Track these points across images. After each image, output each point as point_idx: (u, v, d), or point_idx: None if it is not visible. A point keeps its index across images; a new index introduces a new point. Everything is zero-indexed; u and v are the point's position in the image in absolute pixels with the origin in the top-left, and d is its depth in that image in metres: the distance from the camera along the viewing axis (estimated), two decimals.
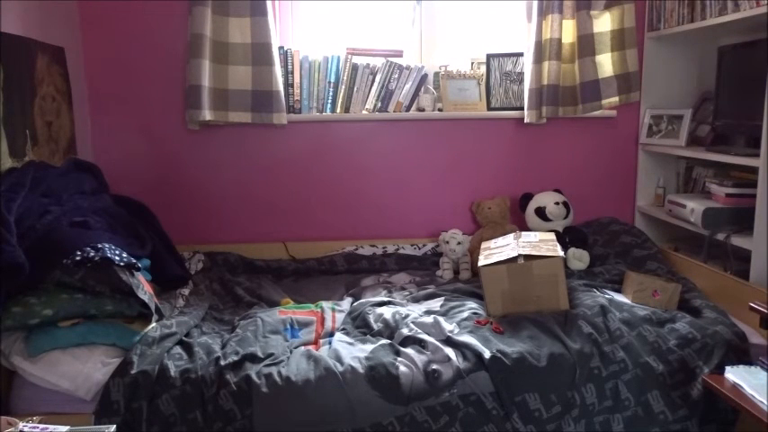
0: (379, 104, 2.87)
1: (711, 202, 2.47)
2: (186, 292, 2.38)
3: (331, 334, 2.09)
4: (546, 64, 2.80)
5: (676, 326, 1.97)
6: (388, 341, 1.96)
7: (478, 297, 2.30)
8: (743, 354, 1.88)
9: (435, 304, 2.26)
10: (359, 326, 2.14)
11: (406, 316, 2.09)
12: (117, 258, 1.87)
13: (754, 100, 2.22)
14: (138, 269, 1.96)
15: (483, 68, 2.97)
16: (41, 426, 1.34)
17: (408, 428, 1.73)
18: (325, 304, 2.30)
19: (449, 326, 2.01)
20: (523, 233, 2.42)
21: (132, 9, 2.83)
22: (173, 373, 1.77)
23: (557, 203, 2.83)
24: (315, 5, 2.96)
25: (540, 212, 2.84)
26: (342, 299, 2.45)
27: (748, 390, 1.63)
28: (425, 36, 3.00)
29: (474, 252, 2.68)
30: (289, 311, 2.19)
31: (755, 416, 1.54)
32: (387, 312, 2.13)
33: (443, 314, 2.14)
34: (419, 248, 2.99)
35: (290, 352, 1.91)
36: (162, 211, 2.58)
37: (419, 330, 1.98)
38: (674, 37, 2.79)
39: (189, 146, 2.94)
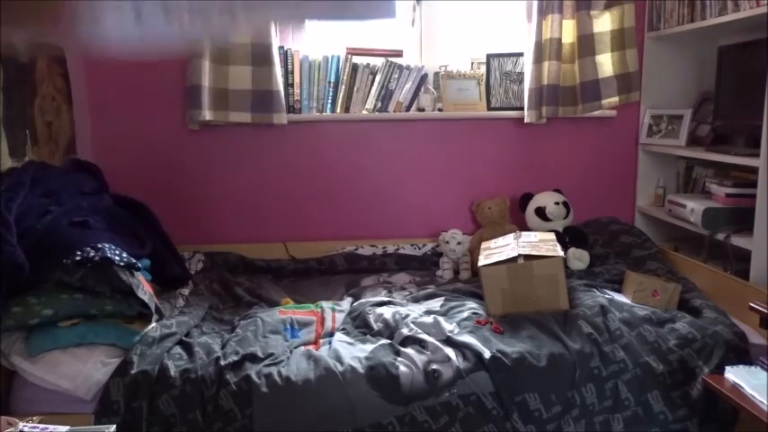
0: (379, 104, 2.87)
1: (711, 202, 2.47)
2: (186, 292, 2.38)
3: (331, 334, 2.09)
4: (546, 64, 2.80)
5: (676, 326, 1.97)
6: (388, 341, 1.96)
7: (478, 297, 2.30)
8: (743, 354, 1.88)
9: (435, 304, 2.26)
10: (359, 326, 2.14)
11: (406, 316, 2.09)
12: (117, 258, 1.87)
13: (754, 100, 2.22)
14: (138, 269, 1.96)
15: (483, 68, 2.97)
16: (41, 426, 1.33)
17: (408, 428, 1.73)
18: (326, 304, 2.30)
19: (449, 326, 2.01)
20: (523, 233, 2.42)
21: None
22: (173, 373, 1.77)
23: (557, 203, 2.83)
24: None
25: (540, 212, 2.85)
26: (342, 299, 2.45)
27: (748, 390, 1.63)
28: (425, 36, 3.00)
29: (474, 252, 2.68)
30: (289, 311, 2.19)
31: (755, 416, 1.54)
32: (387, 312, 2.13)
33: (443, 314, 2.14)
34: (419, 248, 2.99)
35: (290, 352, 1.91)
36: (162, 211, 2.58)
37: (419, 330, 1.98)
38: (674, 37, 2.79)
39: (189, 146, 2.94)
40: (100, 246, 1.87)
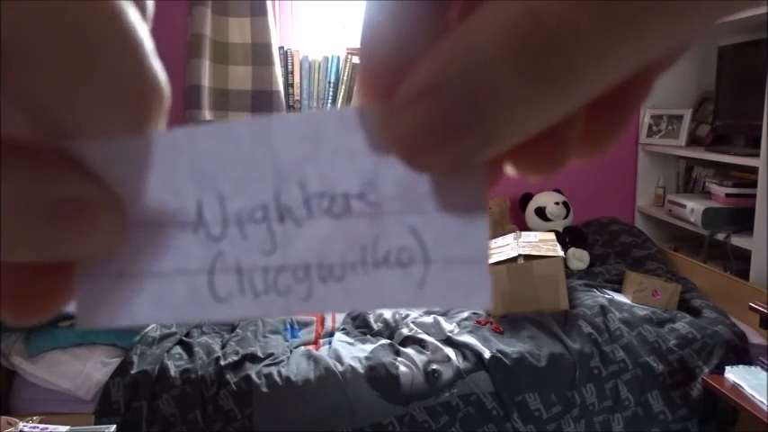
0: None
1: (711, 202, 2.47)
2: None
3: (331, 334, 2.09)
4: None
5: (676, 326, 1.97)
6: (388, 341, 1.96)
7: None
8: (743, 354, 1.88)
9: None
10: (359, 326, 2.14)
11: (406, 316, 2.09)
12: None
13: (754, 100, 2.22)
14: None
15: None
16: (41, 426, 1.33)
17: (408, 428, 1.73)
18: None
19: (449, 326, 2.01)
20: (523, 233, 2.42)
21: None
22: (173, 373, 1.77)
23: (557, 203, 2.83)
24: (315, 5, 2.96)
25: (540, 212, 2.84)
26: None
27: (748, 390, 1.63)
28: None
29: None
30: None
31: (755, 416, 1.54)
32: (387, 312, 2.13)
33: (443, 314, 2.14)
34: None
35: (290, 352, 1.91)
36: None
37: (419, 330, 1.98)
38: None
39: None
40: None
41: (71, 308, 0.17)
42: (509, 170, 0.17)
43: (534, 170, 0.17)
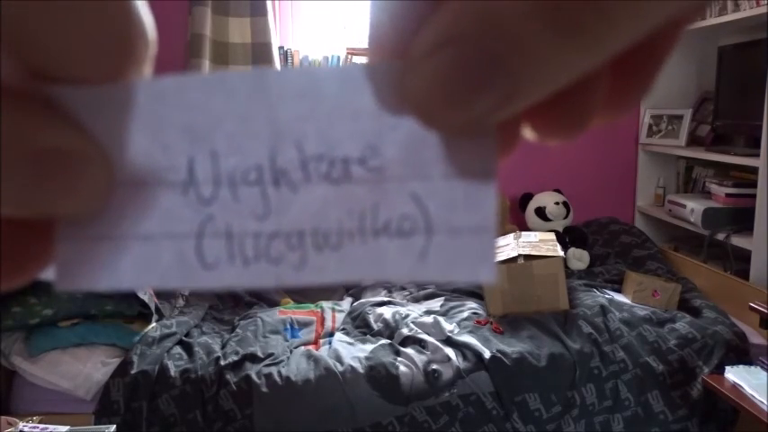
0: None
1: (711, 202, 2.47)
2: (186, 291, 2.38)
3: (331, 334, 2.09)
4: None
5: (676, 326, 1.97)
6: (388, 341, 1.96)
7: (478, 297, 2.30)
8: (743, 354, 1.88)
9: (435, 304, 2.26)
10: (359, 326, 2.14)
11: (406, 316, 2.09)
12: None
13: (754, 100, 2.22)
14: None
15: None
16: (41, 426, 1.34)
17: (408, 428, 1.73)
18: (326, 304, 2.30)
19: (449, 326, 2.01)
20: (523, 233, 2.42)
21: None
22: (173, 373, 1.77)
23: (557, 203, 2.84)
24: (315, 5, 2.96)
25: (540, 212, 2.85)
26: (342, 299, 2.45)
27: (748, 390, 1.63)
28: None
29: None
30: (289, 311, 2.19)
31: (755, 416, 1.54)
32: (387, 312, 2.13)
33: (443, 314, 2.14)
34: None
35: (290, 352, 1.91)
36: None
37: (419, 330, 1.98)
38: None
39: None
40: None
41: (49, 273, 0.16)
42: (527, 133, 0.16)
43: (554, 133, 0.16)
